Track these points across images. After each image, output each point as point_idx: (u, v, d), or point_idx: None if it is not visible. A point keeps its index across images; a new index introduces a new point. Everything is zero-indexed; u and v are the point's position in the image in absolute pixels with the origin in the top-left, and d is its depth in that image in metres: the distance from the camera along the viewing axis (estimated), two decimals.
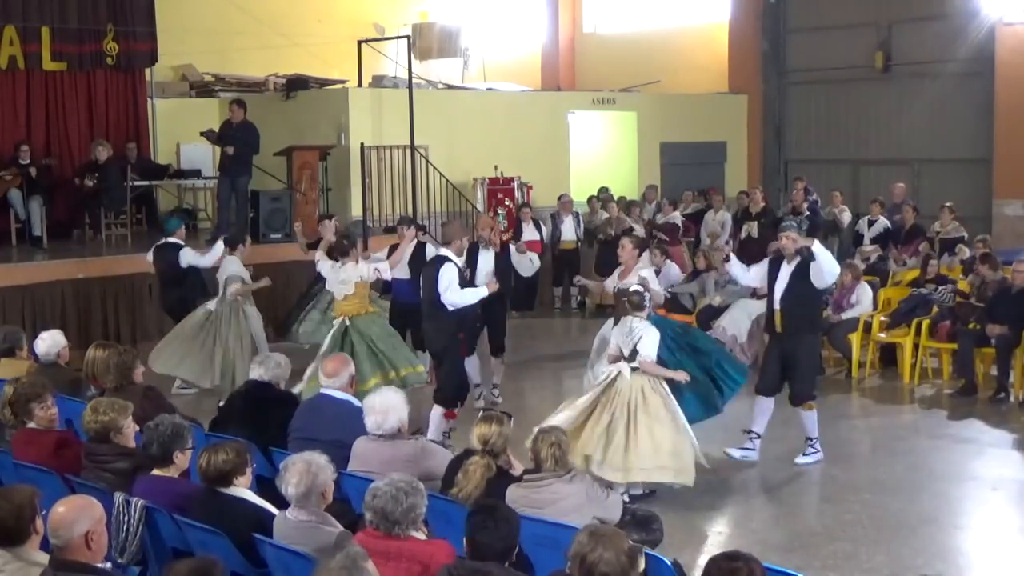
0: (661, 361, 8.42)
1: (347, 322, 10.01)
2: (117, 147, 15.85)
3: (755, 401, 9.18)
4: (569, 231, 16.26)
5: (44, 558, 4.59)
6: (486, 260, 10.29)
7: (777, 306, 8.93)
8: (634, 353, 8.17)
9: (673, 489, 8.10)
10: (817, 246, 8.72)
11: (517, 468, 6.05)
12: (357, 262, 10.17)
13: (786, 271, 8.91)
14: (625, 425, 7.95)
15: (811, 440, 9.11)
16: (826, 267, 8.70)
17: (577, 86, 21.84)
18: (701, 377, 8.66)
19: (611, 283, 9.61)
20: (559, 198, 16.72)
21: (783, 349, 8.98)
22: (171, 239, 11.71)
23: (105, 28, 16.25)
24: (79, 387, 7.89)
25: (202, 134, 15.40)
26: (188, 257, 11.54)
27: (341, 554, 4.15)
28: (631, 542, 4.36)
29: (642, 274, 9.13)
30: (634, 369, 8.14)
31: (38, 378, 7.08)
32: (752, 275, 9.41)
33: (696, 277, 13.80)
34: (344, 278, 10.19)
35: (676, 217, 16.65)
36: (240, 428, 6.81)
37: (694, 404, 8.64)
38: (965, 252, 13.77)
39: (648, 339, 8.17)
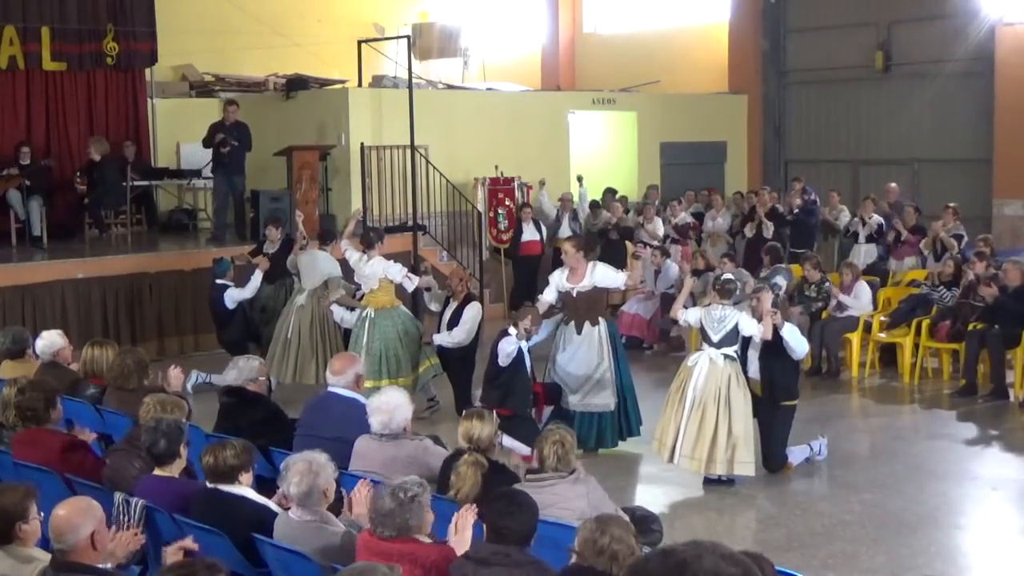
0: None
1: (371, 314, 10.27)
2: (116, 147, 15.84)
3: None
4: (566, 229, 16.27)
5: (40, 554, 4.60)
6: (450, 310, 10.54)
7: (754, 376, 8.63)
8: (724, 340, 8.40)
9: (680, 487, 8.10)
10: (787, 328, 8.39)
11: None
12: (382, 257, 10.47)
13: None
14: (714, 418, 8.26)
15: (811, 448, 9.09)
16: (796, 347, 8.48)
17: (577, 86, 21.81)
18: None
19: (558, 284, 9.51)
20: (560, 197, 16.78)
21: (760, 415, 8.65)
22: (220, 281, 11.76)
23: (105, 28, 16.22)
24: (79, 387, 7.89)
25: (217, 143, 15.07)
26: (233, 296, 11.61)
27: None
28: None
29: (597, 271, 9.40)
30: (726, 357, 8.38)
31: (46, 380, 7.07)
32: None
33: (696, 277, 13.76)
34: (369, 273, 10.35)
35: (686, 216, 16.68)
36: (221, 431, 6.85)
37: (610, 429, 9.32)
38: (954, 246, 13.69)
39: (744, 320, 8.42)
